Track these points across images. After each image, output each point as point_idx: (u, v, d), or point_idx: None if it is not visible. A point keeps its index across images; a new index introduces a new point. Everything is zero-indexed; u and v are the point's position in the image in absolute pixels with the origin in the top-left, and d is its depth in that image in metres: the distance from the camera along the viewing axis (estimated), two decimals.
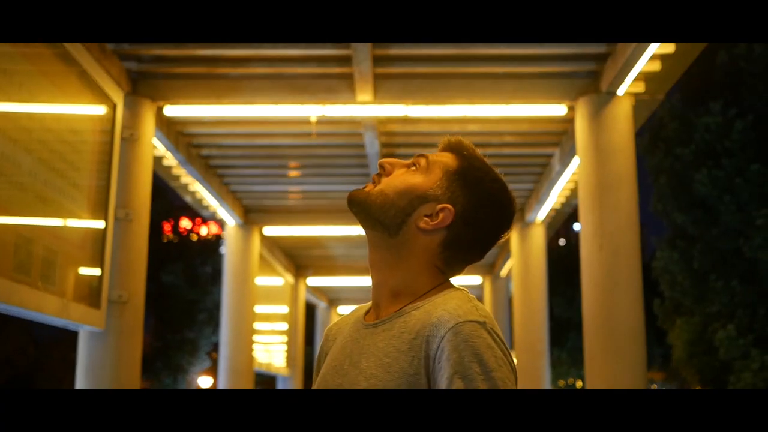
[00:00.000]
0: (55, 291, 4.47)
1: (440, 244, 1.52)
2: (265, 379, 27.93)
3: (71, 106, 4.98)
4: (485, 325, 1.38)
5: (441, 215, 1.51)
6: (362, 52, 5.64)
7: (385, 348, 1.45)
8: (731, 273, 14.21)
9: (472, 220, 1.52)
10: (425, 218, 1.51)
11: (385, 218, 1.52)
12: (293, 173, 8.92)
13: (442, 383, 1.36)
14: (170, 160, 7.56)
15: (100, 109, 5.35)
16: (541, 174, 8.67)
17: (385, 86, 6.30)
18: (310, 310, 18.28)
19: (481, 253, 1.57)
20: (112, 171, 5.44)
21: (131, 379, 5.70)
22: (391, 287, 1.53)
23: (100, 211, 5.29)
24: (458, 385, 1.33)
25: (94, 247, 5.20)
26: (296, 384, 14.18)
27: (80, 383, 5.59)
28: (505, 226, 1.56)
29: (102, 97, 5.31)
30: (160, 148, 7.03)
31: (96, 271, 5.21)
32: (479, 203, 1.52)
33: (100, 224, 5.29)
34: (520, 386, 1.40)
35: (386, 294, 1.54)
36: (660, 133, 15.51)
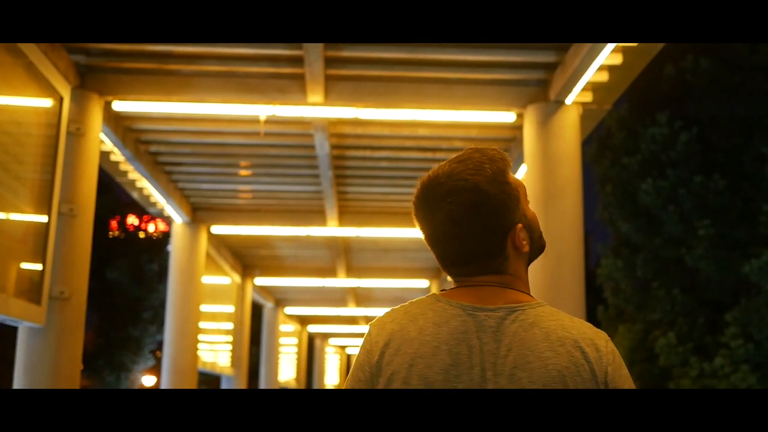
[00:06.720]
0: None
1: None
2: (209, 379, 27.71)
3: (16, 98, 4.89)
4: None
5: None
6: (314, 53, 5.64)
7: None
8: (673, 282, 14.50)
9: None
10: None
11: None
12: (243, 172, 8.87)
13: None
14: (117, 155, 7.47)
15: (46, 102, 5.26)
16: None
17: (336, 88, 6.30)
18: (257, 310, 18.18)
19: (433, 248, 1.71)
20: (57, 165, 5.35)
21: (71, 377, 5.61)
22: None
23: (44, 206, 5.21)
24: None
25: (36, 241, 5.12)
26: (240, 384, 14.07)
27: (18, 380, 5.49)
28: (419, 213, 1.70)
29: (48, 90, 5.23)
30: (107, 143, 6.94)
31: (37, 267, 5.12)
32: None
33: (43, 219, 5.20)
34: None
35: None
36: (607, 143, 15.77)
